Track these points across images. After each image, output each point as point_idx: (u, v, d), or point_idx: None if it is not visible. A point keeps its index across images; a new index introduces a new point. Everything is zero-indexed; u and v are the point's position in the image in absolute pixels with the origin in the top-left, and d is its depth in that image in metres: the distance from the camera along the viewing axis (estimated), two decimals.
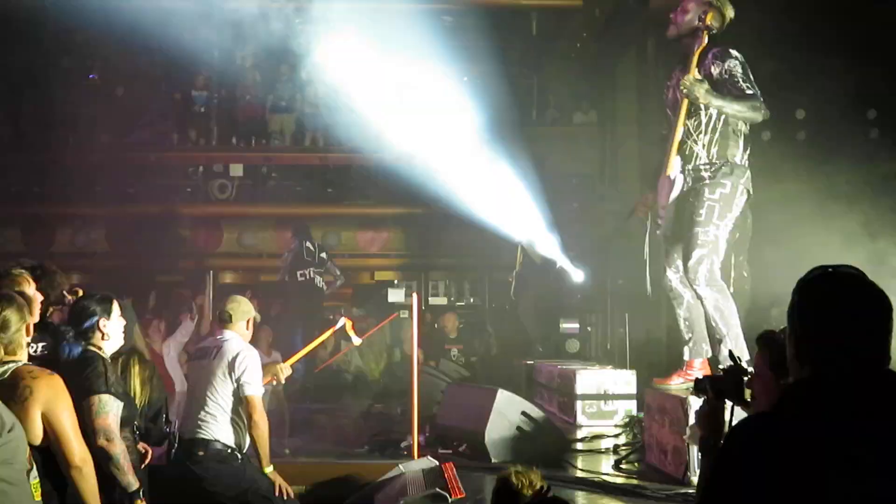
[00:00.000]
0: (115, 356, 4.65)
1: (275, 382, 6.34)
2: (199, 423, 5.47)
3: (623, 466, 5.98)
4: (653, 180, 5.90)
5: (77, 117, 12.95)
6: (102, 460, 4.15)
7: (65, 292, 4.97)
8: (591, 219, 12.01)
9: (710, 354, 5.59)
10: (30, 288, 4.37)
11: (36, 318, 4.38)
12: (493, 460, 6.08)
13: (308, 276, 11.31)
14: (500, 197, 12.38)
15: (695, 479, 4.92)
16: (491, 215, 12.15)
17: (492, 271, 13.54)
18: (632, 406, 7.83)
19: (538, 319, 10.99)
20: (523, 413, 6.37)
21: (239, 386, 5.49)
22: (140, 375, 4.82)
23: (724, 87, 5.38)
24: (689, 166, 5.56)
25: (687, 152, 5.57)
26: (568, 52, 12.68)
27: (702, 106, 5.50)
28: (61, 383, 3.54)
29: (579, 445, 6.91)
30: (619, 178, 11.25)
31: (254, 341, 6.13)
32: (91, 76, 13.59)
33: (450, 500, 5.03)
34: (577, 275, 11.32)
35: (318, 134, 13.92)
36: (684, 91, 5.41)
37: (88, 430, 4.18)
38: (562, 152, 12.79)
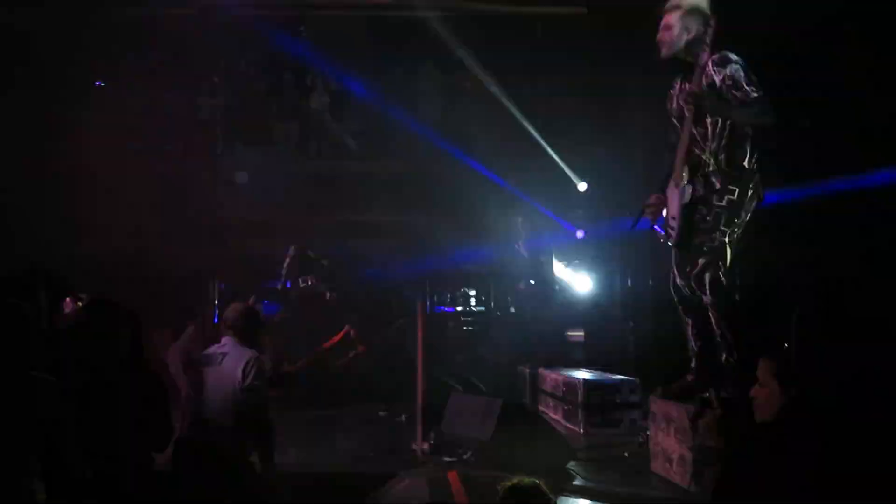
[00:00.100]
0: None
1: (279, 389, 6.34)
2: (204, 429, 5.47)
3: (628, 475, 5.97)
4: (658, 186, 5.89)
5: (82, 123, 12.97)
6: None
7: (72, 300, 4.98)
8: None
9: (716, 363, 5.56)
10: (42, 299, 4.38)
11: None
12: (497, 468, 6.06)
13: (309, 283, 11.31)
14: (504, 203, 12.43)
15: (700, 489, 4.91)
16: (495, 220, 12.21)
17: (497, 279, 13.52)
18: (637, 415, 7.82)
19: (544, 328, 10.97)
20: (528, 421, 6.37)
21: (244, 393, 5.49)
22: (141, 381, 4.81)
23: (728, 94, 5.37)
24: (699, 174, 5.55)
25: (695, 161, 5.56)
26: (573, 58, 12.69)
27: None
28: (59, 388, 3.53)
29: (584, 454, 6.89)
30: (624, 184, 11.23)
31: (258, 348, 6.13)
32: (97, 83, 13.61)
33: None
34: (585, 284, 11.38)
35: (322, 142, 13.95)
36: (691, 102, 5.40)
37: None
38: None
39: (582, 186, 12.15)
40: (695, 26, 5.57)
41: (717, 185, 5.46)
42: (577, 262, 12.36)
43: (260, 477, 5.51)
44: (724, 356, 5.41)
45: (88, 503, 3.68)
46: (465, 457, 6.45)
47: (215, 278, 12.55)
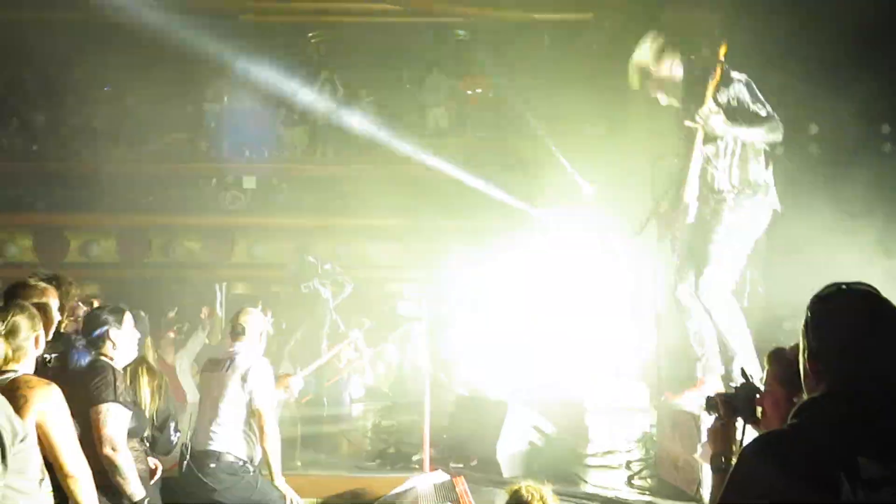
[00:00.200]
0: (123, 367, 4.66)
1: (286, 394, 6.35)
2: (212, 434, 5.47)
3: (635, 481, 5.97)
4: (665, 196, 5.88)
5: (90, 128, 13.03)
6: (108, 469, 4.18)
7: (79, 302, 4.99)
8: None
9: (722, 370, 5.56)
10: (52, 300, 4.38)
11: (51, 331, 4.41)
12: (504, 474, 6.07)
13: (312, 288, 11.31)
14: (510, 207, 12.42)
15: (706, 495, 4.90)
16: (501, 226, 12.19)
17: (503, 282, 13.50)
18: (644, 421, 7.80)
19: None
20: (535, 427, 6.36)
21: (251, 398, 5.50)
22: (149, 385, 4.82)
23: (736, 114, 5.35)
24: (712, 191, 5.53)
25: (708, 178, 5.54)
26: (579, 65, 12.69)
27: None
28: (58, 394, 3.53)
29: (591, 460, 6.88)
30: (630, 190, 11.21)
31: (265, 353, 6.14)
32: (106, 87, 13.66)
33: None
34: None
35: (329, 146, 13.97)
36: (701, 123, 5.38)
37: (95, 438, 4.21)
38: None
39: (588, 190, 12.13)
40: (678, 63, 5.60)
41: (731, 202, 5.45)
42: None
43: (267, 482, 5.51)
44: (730, 364, 5.41)
45: None
46: (471, 463, 6.45)
47: (223, 282, 12.59)
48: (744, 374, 3.32)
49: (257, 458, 5.57)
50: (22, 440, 2.96)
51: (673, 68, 5.62)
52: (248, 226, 13.65)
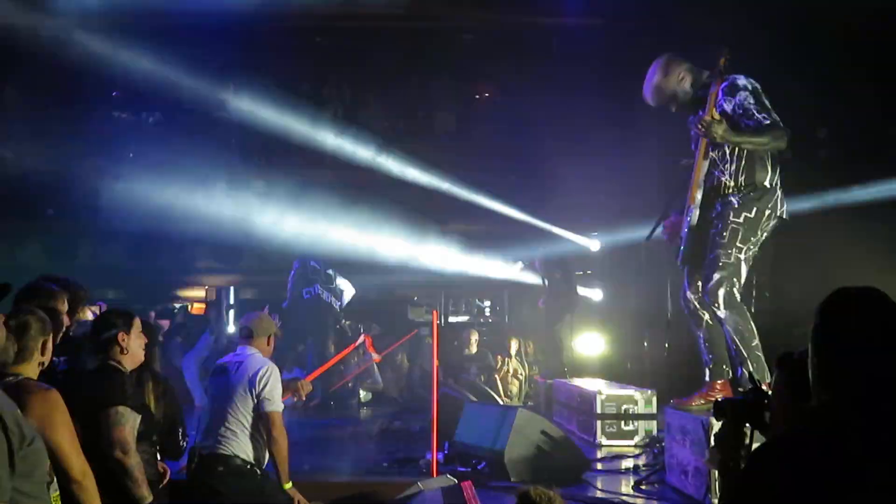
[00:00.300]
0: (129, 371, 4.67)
1: (295, 399, 6.35)
2: (219, 438, 5.48)
3: (643, 487, 5.96)
4: (675, 203, 5.87)
5: (100, 133, 13.07)
6: (117, 473, 4.18)
7: (89, 308, 5.01)
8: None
9: (730, 376, 5.55)
10: (62, 305, 4.40)
11: (59, 336, 4.42)
12: (512, 479, 6.06)
13: (314, 293, 11.31)
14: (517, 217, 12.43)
15: (715, 501, 4.89)
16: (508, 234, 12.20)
17: (512, 289, 13.52)
18: (652, 426, 7.80)
19: (561, 337, 10.96)
20: (543, 432, 6.35)
21: (259, 402, 5.50)
22: (154, 390, 4.83)
23: (741, 122, 5.33)
24: (718, 195, 5.52)
25: (715, 183, 5.53)
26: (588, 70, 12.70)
27: None
28: (57, 399, 3.52)
29: (599, 465, 6.88)
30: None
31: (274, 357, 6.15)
32: (114, 93, 13.71)
33: None
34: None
35: (337, 150, 13.97)
36: (702, 131, 5.37)
37: (104, 442, 4.21)
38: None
39: (599, 196, 12.15)
40: (686, 73, 5.59)
41: (736, 205, 5.43)
42: (590, 273, 12.37)
43: (275, 486, 5.52)
44: (738, 370, 5.40)
45: None
46: (479, 467, 6.44)
47: (231, 287, 12.62)
48: (752, 379, 3.31)
49: (265, 461, 5.58)
50: (30, 443, 2.96)
51: (682, 78, 5.61)
52: (256, 230, 13.66)
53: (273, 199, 13.70)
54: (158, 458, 4.79)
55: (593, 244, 12.35)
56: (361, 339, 8.35)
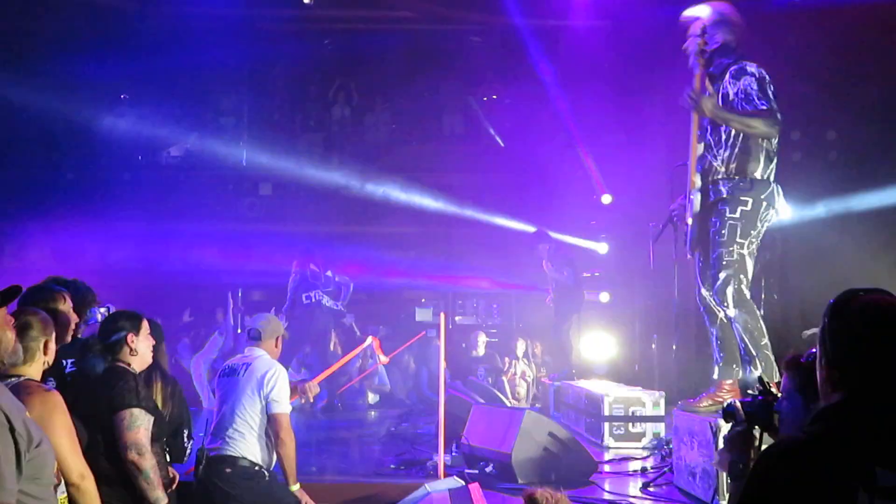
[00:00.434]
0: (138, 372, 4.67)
1: (303, 401, 6.36)
2: (227, 439, 5.48)
3: (651, 489, 5.94)
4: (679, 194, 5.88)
5: (109, 135, 13.10)
6: (132, 475, 4.20)
7: (97, 310, 5.01)
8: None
9: (740, 376, 5.53)
10: (65, 305, 4.40)
11: (69, 337, 4.43)
12: (519, 481, 6.05)
13: (314, 299, 11.30)
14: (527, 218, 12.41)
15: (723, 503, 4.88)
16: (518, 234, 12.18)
17: (519, 291, 13.51)
18: (660, 428, 7.78)
19: (568, 339, 10.94)
20: (550, 434, 6.34)
21: (267, 403, 5.51)
22: (162, 392, 4.84)
23: (738, 105, 5.35)
24: (709, 181, 5.53)
25: (707, 167, 5.55)
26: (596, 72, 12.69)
27: None
28: (58, 400, 3.52)
29: (607, 467, 6.86)
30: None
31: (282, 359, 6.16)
32: (123, 96, 13.74)
33: None
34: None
35: (346, 153, 14.01)
36: (691, 103, 5.39)
37: (119, 444, 4.23)
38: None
39: (607, 199, 12.14)
40: (721, 36, 5.54)
41: (725, 195, 5.42)
42: (599, 274, 12.35)
43: (283, 488, 5.52)
44: (748, 369, 5.38)
45: None
46: (486, 469, 6.44)
47: (239, 289, 12.63)
48: (761, 381, 3.30)
49: (272, 463, 5.58)
50: (37, 446, 2.96)
51: (715, 36, 5.59)
52: (264, 232, 13.68)
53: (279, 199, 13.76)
54: (168, 461, 4.79)
55: (601, 246, 12.34)
56: (369, 341, 8.34)
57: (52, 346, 3.67)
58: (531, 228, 11.62)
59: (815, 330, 2.24)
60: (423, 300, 14.04)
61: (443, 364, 7.05)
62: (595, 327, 11.86)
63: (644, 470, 6.66)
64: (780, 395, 3.18)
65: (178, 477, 4.98)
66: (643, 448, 7.66)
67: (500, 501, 5.66)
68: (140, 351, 4.55)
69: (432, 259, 13.48)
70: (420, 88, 14.18)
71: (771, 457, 2.13)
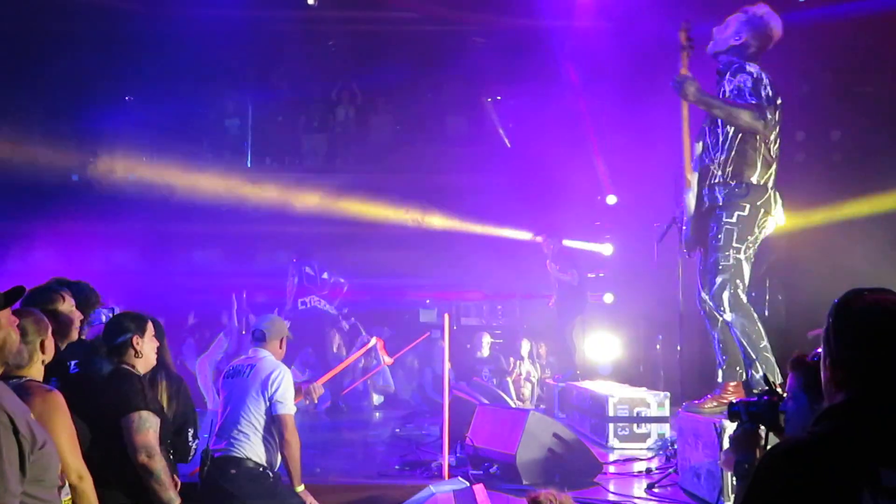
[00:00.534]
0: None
1: (307, 402, 6.36)
2: (232, 440, 5.49)
3: (656, 490, 5.94)
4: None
5: (113, 137, 13.12)
6: (144, 477, 4.20)
7: (101, 311, 5.01)
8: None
9: (743, 378, 5.53)
10: (64, 305, 4.40)
11: (75, 336, 4.43)
12: (524, 482, 6.05)
13: (309, 304, 11.30)
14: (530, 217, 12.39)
15: None
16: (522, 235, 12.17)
17: (524, 292, 13.49)
18: (665, 429, 7.78)
19: (572, 341, 10.93)
20: (555, 434, 6.34)
21: (271, 404, 5.51)
22: (167, 390, 4.84)
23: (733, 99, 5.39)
24: (706, 184, 5.53)
25: (703, 169, 5.56)
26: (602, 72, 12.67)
27: (719, 123, 5.48)
28: (59, 400, 3.52)
29: (611, 468, 6.86)
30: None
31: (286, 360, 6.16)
32: (127, 98, 13.76)
33: None
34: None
35: (350, 154, 14.02)
36: (676, 87, 5.41)
37: (129, 447, 4.23)
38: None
39: (612, 199, 12.13)
40: (745, 35, 5.55)
41: (721, 201, 5.42)
42: (603, 275, 12.34)
43: (287, 489, 5.52)
44: (748, 372, 5.38)
45: None
46: (490, 470, 6.43)
47: (244, 290, 12.63)
48: (766, 380, 3.30)
49: (277, 464, 5.58)
50: (41, 447, 2.96)
51: (741, 34, 5.60)
52: (268, 233, 13.70)
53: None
54: (173, 464, 4.79)
55: (606, 248, 12.33)
56: (373, 342, 8.34)
57: (50, 344, 3.66)
58: (533, 237, 11.62)
59: (821, 330, 2.23)
60: (427, 301, 14.03)
61: (447, 365, 7.05)
62: (600, 328, 11.86)
63: (649, 471, 6.66)
64: (785, 395, 3.18)
65: (179, 483, 4.97)
66: (648, 449, 7.66)
67: (504, 502, 5.65)
68: (145, 353, 4.54)
69: (434, 264, 13.47)
70: (424, 89, 14.18)
71: (774, 457, 2.13)
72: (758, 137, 5.37)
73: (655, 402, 7.89)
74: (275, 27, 13.00)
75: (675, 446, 6.33)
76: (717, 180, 5.47)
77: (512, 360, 12.06)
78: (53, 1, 11.59)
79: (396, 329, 12.80)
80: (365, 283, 12.33)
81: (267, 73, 14.18)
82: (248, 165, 14.17)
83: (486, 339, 12.24)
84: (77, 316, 4.46)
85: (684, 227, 5.73)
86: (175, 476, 4.83)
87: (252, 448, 5.48)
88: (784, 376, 3.29)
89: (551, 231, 10.91)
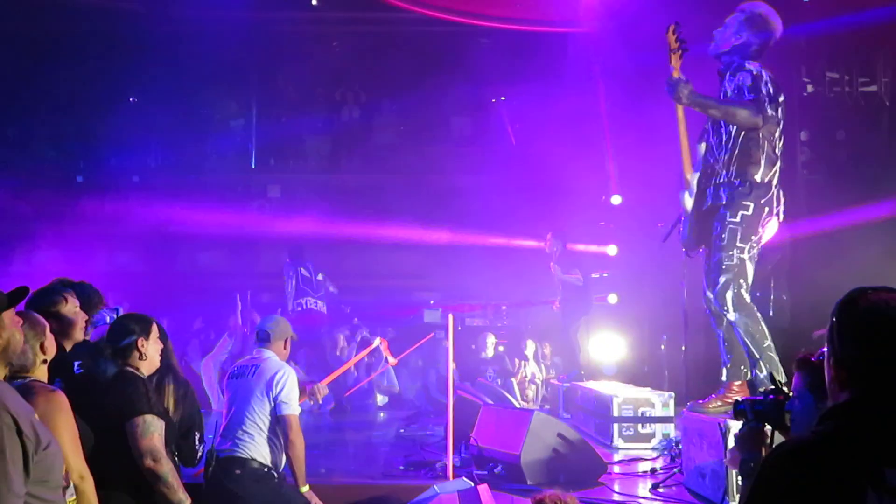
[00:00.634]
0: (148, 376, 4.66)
1: (311, 402, 6.36)
2: (237, 441, 5.49)
3: (661, 490, 5.93)
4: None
5: (117, 139, 13.15)
6: (151, 481, 4.20)
7: (105, 312, 5.01)
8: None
9: (748, 377, 5.52)
10: (67, 306, 4.39)
11: (79, 337, 4.43)
12: (528, 482, 6.04)
13: (304, 306, 11.30)
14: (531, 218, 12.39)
15: None
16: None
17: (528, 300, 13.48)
18: (669, 429, 7.77)
19: (576, 341, 10.93)
20: (559, 435, 6.33)
21: (276, 405, 5.51)
22: (174, 394, 4.83)
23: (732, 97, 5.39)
24: (710, 184, 5.52)
25: (707, 169, 5.55)
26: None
27: (722, 122, 5.47)
28: (62, 400, 3.51)
29: (616, 468, 6.85)
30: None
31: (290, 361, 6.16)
32: (131, 99, 13.79)
33: None
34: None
35: (354, 154, 14.03)
36: (668, 90, 5.40)
37: (134, 452, 4.23)
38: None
39: (616, 200, 12.12)
40: (746, 33, 5.54)
41: (724, 200, 5.41)
42: (608, 275, 12.33)
43: (292, 489, 5.52)
44: (752, 371, 5.37)
45: None
46: (495, 470, 6.43)
47: (248, 291, 12.64)
48: (773, 379, 3.30)
49: (282, 464, 5.58)
50: (45, 448, 2.96)
51: (742, 33, 5.59)
52: (272, 234, 13.70)
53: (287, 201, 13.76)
54: (178, 467, 4.79)
55: (610, 248, 12.32)
56: (377, 342, 8.35)
57: (50, 345, 3.66)
58: (537, 243, 11.62)
59: (826, 330, 2.23)
60: (431, 301, 14.02)
61: (451, 365, 7.04)
62: (604, 328, 11.85)
63: (653, 471, 6.64)
64: (791, 394, 3.17)
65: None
66: (652, 449, 7.65)
67: (508, 503, 5.65)
68: (149, 355, 4.54)
69: (440, 261, 13.47)
70: (428, 90, 14.18)
71: (778, 457, 2.12)
72: (761, 135, 5.36)
73: (660, 402, 7.88)
74: (279, 28, 13.03)
75: (680, 446, 6.32)
76: (721, 180, 5.46)
77: (517, 361, 12.06)
78: (58, 2, 11.61)
79: (400, 329, 12.81)
80: (368, 285, 12.33)
81: (271, 74, 14.20)
82: (253, 166, 14.18)
83: (491, 340, 12.23)
84: (81, 316, 4.45)
85: (681, 228, 5.72)
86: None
87: (257, 448, 5.48)
88: (789, 376, 3.28)
89: (555, 233, 10.90)
